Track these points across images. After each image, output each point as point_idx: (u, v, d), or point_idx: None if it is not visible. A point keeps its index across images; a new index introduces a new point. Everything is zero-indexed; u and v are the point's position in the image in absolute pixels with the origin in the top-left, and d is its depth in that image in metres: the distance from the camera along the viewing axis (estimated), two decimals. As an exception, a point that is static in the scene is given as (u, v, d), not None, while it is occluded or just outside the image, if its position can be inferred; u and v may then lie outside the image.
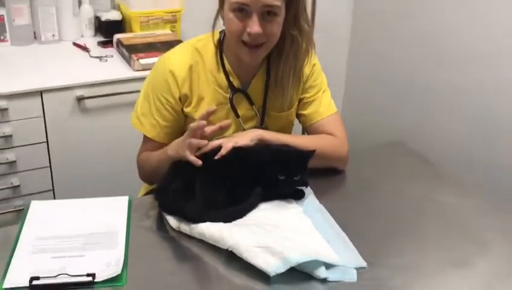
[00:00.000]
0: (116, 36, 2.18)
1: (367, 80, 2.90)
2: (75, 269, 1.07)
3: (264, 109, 1.46)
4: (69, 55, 2.15)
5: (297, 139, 1.39)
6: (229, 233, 1.14)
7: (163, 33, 2.25)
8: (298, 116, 1.52)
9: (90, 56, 2.12)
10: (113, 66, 2.05)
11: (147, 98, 1.43)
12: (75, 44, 2.22)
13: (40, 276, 1.04)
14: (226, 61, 1.42)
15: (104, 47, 2.20)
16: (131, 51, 2.03)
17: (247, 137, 1.32)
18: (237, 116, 1.44)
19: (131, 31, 2.26)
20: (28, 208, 1.27)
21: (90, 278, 1.04)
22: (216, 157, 1.24)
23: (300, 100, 1.49)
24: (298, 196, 1.31)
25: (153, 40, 2.16)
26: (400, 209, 1.33)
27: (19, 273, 1.06)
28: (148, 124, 1.44)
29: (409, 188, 1.42)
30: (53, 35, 2.21)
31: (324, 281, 1.07)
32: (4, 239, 1.19)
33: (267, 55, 1.39)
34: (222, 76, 1.42)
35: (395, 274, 1.11)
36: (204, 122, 1.24)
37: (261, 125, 1.47)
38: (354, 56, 2.97)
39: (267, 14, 1.27)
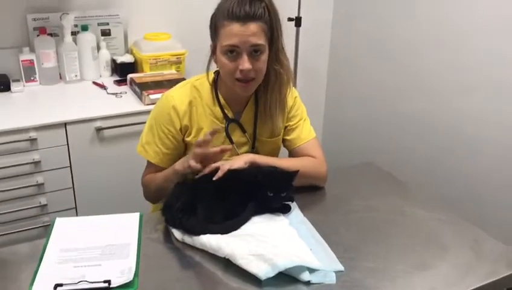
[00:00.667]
0: (130, 76, 2.19)
1: (343, 109, 2.92)
2: (94, 277, 1.06)
3: (255, 135, 1.47)
4: (89, 92, 2.15)
5: (283, 162, 1.39)
6: (226, 243, 1.13)
7: (170, 73, 2.25)
8: (283, 141, 1.53)
9: (108, 93, 2.13)
10: (127, 101, 2.05)
11: (151, 129, 1.43)
12: (94, 83, 2.23)
13: (63, 283, 1.03)
14: (220, 96, 1.43)
15: (119, 85, 2.21)
16: (142, 88, 2.04)
17: (241, 160, 1.32)
18: (232, 142, 1.44)
19: (142, 71, 2.27)
20: (53, 224, 1.26)
21: (106, 285, 1.04)
22: (214, 179, 1.24)
23: (285, 128, 1.50)
24: (285, 210, 1.31)
25: (161, 78, 2.16)
26: (372, 220, 1.33)
27: (45, 280, 1.05)
28: (152, 151, 1.44)
29: (380, 202, 1.41)
30: (76, 76, 2.21)
31: (308, 283, 1.07)
32: (33, 251, 1.18)
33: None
34: (218, 109, 1.43)
35: (368, 276, 1.11)
36: (209, 137, 1.26)
37: (253, 149, 1.47)
38: (331, 90, 3.00)
39: (254, 52, 1.29)
